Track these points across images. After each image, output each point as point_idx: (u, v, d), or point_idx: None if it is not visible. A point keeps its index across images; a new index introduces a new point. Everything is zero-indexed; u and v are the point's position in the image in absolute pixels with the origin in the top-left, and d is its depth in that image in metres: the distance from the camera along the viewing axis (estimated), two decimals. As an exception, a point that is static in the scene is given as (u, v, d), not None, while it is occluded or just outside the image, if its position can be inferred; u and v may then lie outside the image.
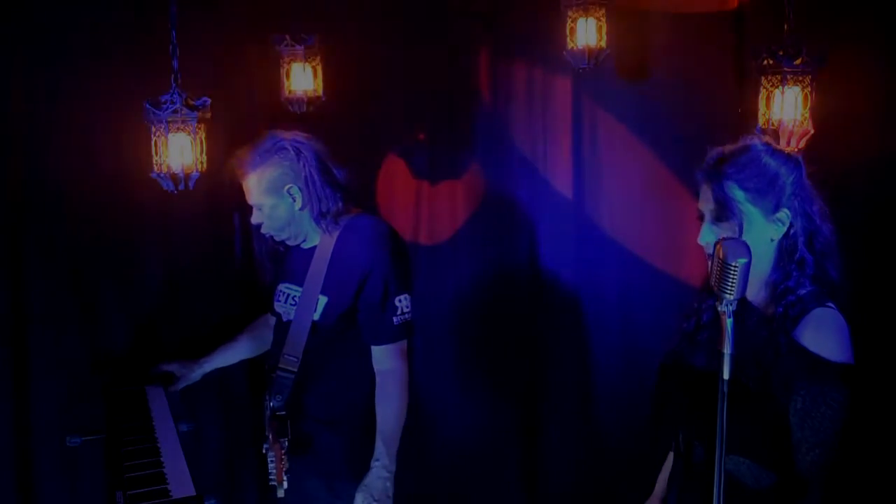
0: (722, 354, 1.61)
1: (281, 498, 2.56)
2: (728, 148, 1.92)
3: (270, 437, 2.53)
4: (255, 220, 2.68)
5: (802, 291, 1.86)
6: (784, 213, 1.88)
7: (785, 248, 1.89)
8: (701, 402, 1.90)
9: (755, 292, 1.92)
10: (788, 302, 1.84)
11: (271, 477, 2.52)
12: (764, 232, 1.87)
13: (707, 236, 1.89)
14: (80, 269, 3.25)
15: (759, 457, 1.84)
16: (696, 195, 1.96)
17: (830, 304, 1.85)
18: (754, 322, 1.90)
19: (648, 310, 3.58)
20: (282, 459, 2.48)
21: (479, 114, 3.74)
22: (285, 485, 2.50)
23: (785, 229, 1.89)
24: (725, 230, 1.86)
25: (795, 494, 1.82)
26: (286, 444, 2.51)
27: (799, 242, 1.89)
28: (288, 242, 2.73)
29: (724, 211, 1.86)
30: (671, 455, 2.22)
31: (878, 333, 3.08)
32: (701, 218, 1.93)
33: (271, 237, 2.71)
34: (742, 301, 1.93)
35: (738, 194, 1.86)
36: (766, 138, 1.98)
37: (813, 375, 1.78)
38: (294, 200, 2.62)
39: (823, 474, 1.81)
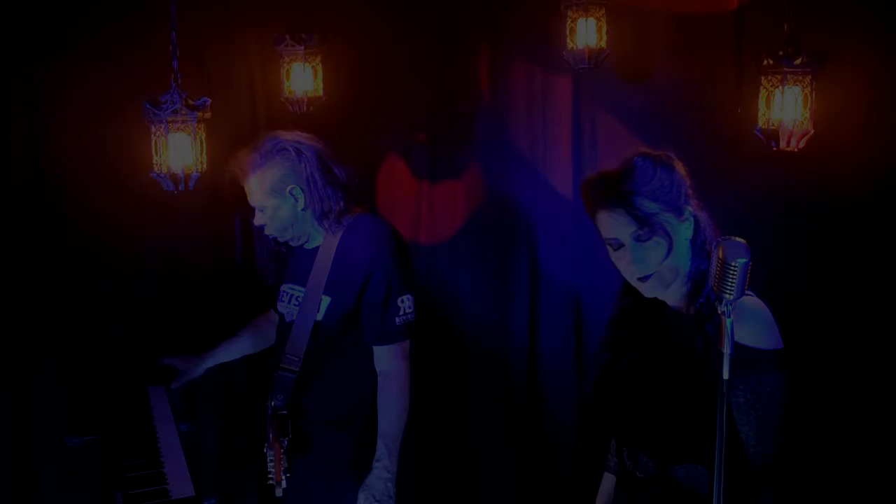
0: (721, 354, 1.61)
1: (282, 497, 2.56)
2: (610, 171, 1.88)
3: (270, 436, 2.53)
4: (257, 221, 2.68)
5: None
6: (688, 211, 1.87)
7: (698, 244, 1.87)
8: (643, 417, 1.90)
9: (678, 293, 1.89)
10: (708, 291, 1.80)
11: (270, 476, 2.53)
12: (683, 234, 1.86)
13: (637, 257, 1.83)
14: (80, 269, 3.25)
15: (709, 458, 1.77)
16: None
17: (749, 292, 1.82)
18: (677, 323, 1.88)
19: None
20: (281, 459, 2.49)
21: (479, 114, 3.74)
22: (284, 484, 2.51)
23: (693, 225, 1.87)
24: (652, 248, 1.83)
25: (752, 489, 1.80)
26: (286, 443, 2.51)
27: (707, 235, 1.88)
28: (291, 243, 2.73)
29: (648, 227, 1.82)
30: (607, 476, 2.19)
31: (877, 332, 3.09)
32: (613, 245, 1.88)
33: (274, 239, 2.71)
34: (660, 305, 1.93)
35: (651, 207, 1.82)
36: (642, 148, 1.92)
37: (748, 367, 1.76)
38: (296, 201, 2.62)
39: (776, 464, 1.80)
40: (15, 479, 3.22)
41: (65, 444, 2.83)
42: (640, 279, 1.87)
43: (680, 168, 1.89)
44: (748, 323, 1.78)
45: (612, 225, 1.86)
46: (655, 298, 1.92)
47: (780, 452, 1.80)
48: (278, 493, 2.51)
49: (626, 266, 1.88)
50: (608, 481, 2.18)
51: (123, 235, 3.29)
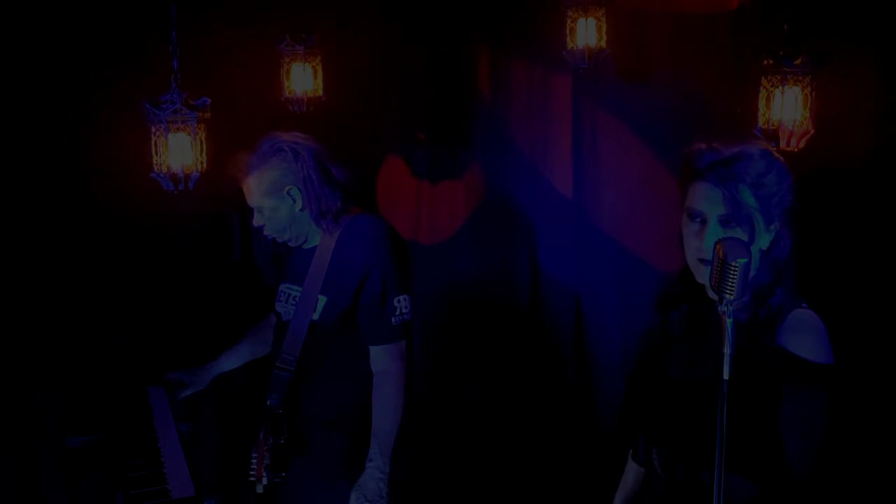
0: (722, 355, 1.60)
1: (277, 496, 2.56)
2: (728, 149, 1.81)
3: (261, 434, 2.53)
4: (256, 222, 2.68)
5: (780, 294, 1.82)
6: (776, 225, 1.82)
7: (770, 259, 1.83)
8: (678, 415, 1.87)
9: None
10: (769, 304, 1.80)
11: (252, 472, 2.52)
12: (761, 242, 1.81)
13: (715, 239, 1.73)
14: (80, 268, 3.25)
15: (744, 468, 1.77)
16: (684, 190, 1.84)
17: (805, 305, 1.82)
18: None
19: (648, 310, 3.57)
20: (264, 456, 2.49)
21: (479, 114, 3.75)
22: (265, 481, 2.50)
23: (773, 239, 1.83)
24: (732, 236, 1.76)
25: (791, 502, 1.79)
26: (271, 441, 2.51)
27: (782, 256, 1.84)
28: (290, 243, 2.73)
29: (737, 217, 1.77)
30: (628, 471, 2.17)
31: (877, 331, 3.09)
32: (694, 217, 1.81)
33: (273, 239, 2.72)
34: (711, 305, 1.87)
35: (750, 200, 1.78)
36: (764, 143, 1.88)
37: (800, 379, 1.74)
38: (294, 201, 2.62)
39: (817, 479, 1.78)
40: (15, 479, 3.21)
41: (65, 444, 2.83)
42: (702, 260, 1.81)
43: (790, 181, 1.83)
44: (806, 335, 1.76)
45: (704, 198, 1.79)
46: (707, 298, 1.88)
47: (823, 467, 1.77)
48: (259, 489, 2.51)
49: (697, 243, 1.81)
50: (633, 471, 2.16)
51: (123, 235, 3.29)
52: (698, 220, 1.81)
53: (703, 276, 1.82)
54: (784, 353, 1.76)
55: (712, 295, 1.87)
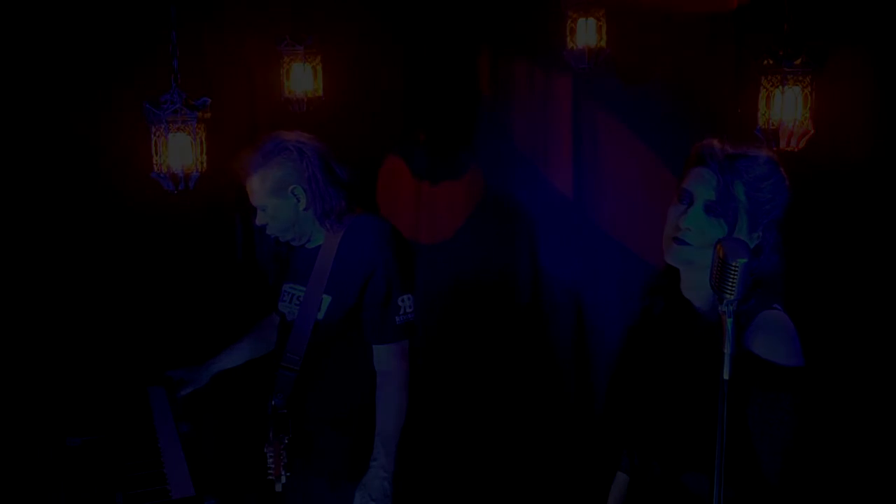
0: (722, 354, 1.60)
1: (283, 496, 2.57)
2: (740, 146, 1.83)
3: (271, 434, 2.54)
4: (259, 221, 2.68)
5: (752, 301, 1.80)
6: (759, 235, 1.82)
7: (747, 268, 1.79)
8: (655, 416, 1.87)
9: (707, 297, 1.84)
10: (740, 311, 1.72)
11: (270, 471, 2.53)
12: None
13: (694, 221, 1.79)
14: (80, 268, 3.25)
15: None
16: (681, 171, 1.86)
17: (776, 306, 1.81)
18: (701, 325, 1.85)
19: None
20: (280, 454, 2.49)
21: (479, 114, 3.75)
22: (283, 479, 2.51)
23: (753, 249, 1.82)
24: (710, 224, 1.79)
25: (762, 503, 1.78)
26: (286, 440, 2.52)
27: (763, 269, 1.83)
28: (293, 243, 2.73)
29: (723, 208, 1.78)
30: (619, 475, 2.17)
31: (877, 332, 3.09)
32: (683, 198, 1.83)
33: (276, 238, 2.72)
34: (689, 307, 1.89)
35: (741, 196, 1.79)
36: (773, 154, 1.87)
37: (767, 382, 1.73)
38: (298, 200, 2.62)
39: (788, 481, 1.77)
40: (15, 479, 3.21)
41: (65, 444, 2.83)
42: (676, 239, 1.82)
43: (788, 198, 1.83)
44: (771, 337, 1.76)
45: (698, 180, 1.81)
46: (682, 298, 1.89)
47: (792, 469, 1.77)
48: (278, 488, 2.52)
49: (676, 220, 1.82)
50: (620, 481, 2.16)
51: (123, 234, 3.29)
52: (686, 201, 1.82)
53: (672, 256, 1.84)
54: (751, 356, 1.75)
55: (688, 294, 1.89)
